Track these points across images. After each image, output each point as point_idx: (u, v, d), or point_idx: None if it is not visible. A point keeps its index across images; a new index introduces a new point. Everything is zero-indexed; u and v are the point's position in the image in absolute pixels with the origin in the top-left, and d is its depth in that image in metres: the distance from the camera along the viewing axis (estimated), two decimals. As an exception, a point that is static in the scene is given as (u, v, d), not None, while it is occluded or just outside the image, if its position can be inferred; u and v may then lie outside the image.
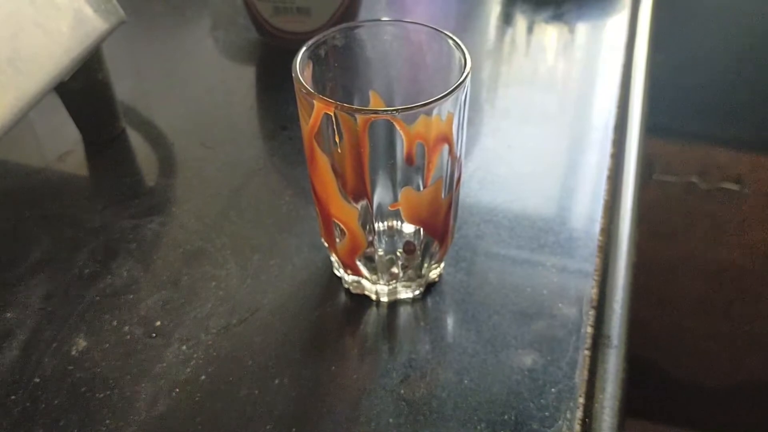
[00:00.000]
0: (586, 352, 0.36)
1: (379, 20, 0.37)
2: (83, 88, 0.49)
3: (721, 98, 0.98)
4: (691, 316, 1.18)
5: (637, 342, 0.43)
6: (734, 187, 1.03)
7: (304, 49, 0.34)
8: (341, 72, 0.37)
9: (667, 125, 1.00)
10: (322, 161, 0.34)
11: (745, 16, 0.92)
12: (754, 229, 1.08)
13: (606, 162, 0.49)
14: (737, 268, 1.12)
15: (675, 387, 1.22)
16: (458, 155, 0.35)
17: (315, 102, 0.31)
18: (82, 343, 0.38)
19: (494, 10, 0.68)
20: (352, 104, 0.37)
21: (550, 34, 0.65)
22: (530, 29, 0.65)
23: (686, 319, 1.19)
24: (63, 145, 0.53)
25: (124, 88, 0.58)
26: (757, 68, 0.96)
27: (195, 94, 0.59)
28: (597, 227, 0.43)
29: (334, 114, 0.31)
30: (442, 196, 0.35)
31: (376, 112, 0.31)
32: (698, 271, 1.14)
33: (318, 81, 0.36)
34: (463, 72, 0.33)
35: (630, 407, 0.38)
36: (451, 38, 0.35)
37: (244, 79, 0.62)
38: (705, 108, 0.99)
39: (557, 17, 0.66)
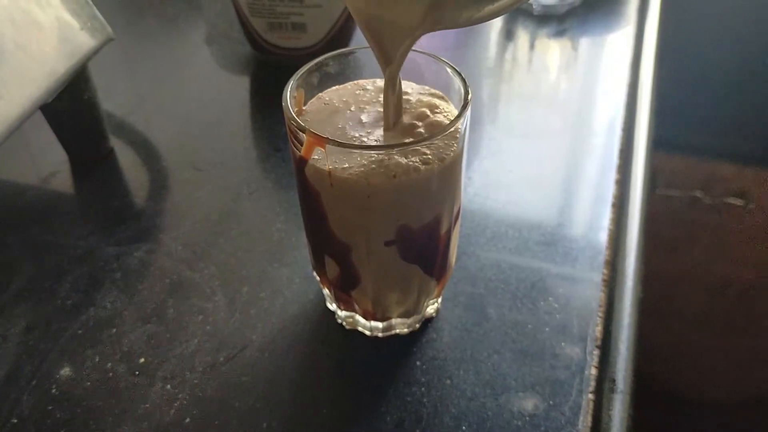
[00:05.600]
0: (590, 396, 0.35)
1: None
2: (69, 108, 0.47)
3: (725, 112, 0.97)
4: (693, 330, 1.17)
5: (638, 355, 0.41)
6: (738, 201, 1.01)
7: (293, 80, 0.32)
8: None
9: (671, 139, 0.98)
10: (314, 195, 0.32)
11: (750, 31, 0.91)
12: (758, 243, 1.06)
13: (610, 187, 0.47)
14: (740, 283, 1.10)
15: (676, 401, 1.20)
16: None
17: (306, 136, 0.30)
18: (62, 381, 0.37)
19: (495, 25, 0.66)
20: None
21: (552, 50, 0.63)
22: (532, 45, 0.63)
23: (688, 332, 1.17)
24: (48, 165, 0.51)
25: (113, 105, 0.56)
26: (762, 83, 0.94)
27: (187, 111, 0.57)
28: (601, 259, 0.42)
29: (326, 149, 0.29)
30: (440, 232, 0.33)
31: (370, 148, 0.29)
32: (701, 285, 1.13)
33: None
34: (462, 103, 0.31)
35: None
36: (449, 66, 0.33)
37: (237, 96, 0.60)
38: (709, 122, 0.98)
39: (560, 33, 0.64)
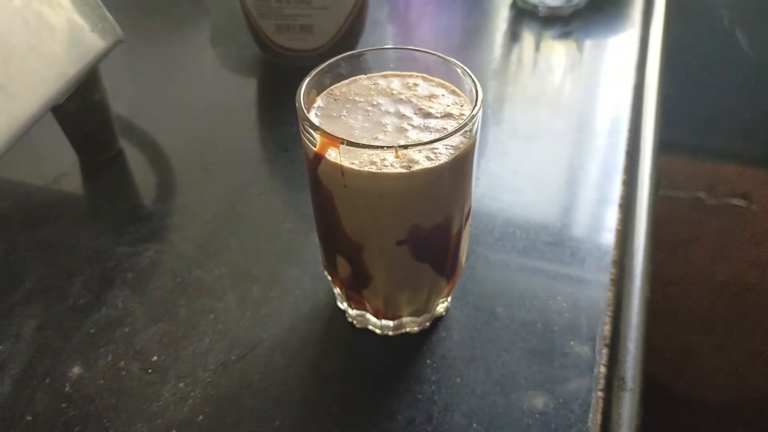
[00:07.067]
0: (600, 394, 0.35)
1: (385, 48, 0.36)
2: (79, 110, 0.47)
3: (729, 113, 0.97)
4: (695, 331, 1.17)
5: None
6: (741, 202, 1.02)
7: (308, 79, 0.32)
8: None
9: (674, 140, 0.98)
10: (327, 195, 0.32)
11: (754, 32, 0.91)
12: (761, 245, 1.06)
13: (617, 188, 0.47)
14: (743, 284, 1.10)
15: (677, 401, 1.20)
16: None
17: (319, 136, 0.30)
18: (75, 379, 0.37)
19: (500, 27, 0.67)
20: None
21: (558, 52, 0.63)
22: (537, 47, 0.64)
23: (690, 334, 1.17)
24: (59, 166, 0.51)
25: (122, 106, 0.56)
26: (766, 84, 0.94)
27: (194, 112, 0.58)
28: (608, 259, 0.42)
29: (340, 149, 0.30)
30: (452, 231, 0.34)
31: (382, 148, 0.30)
32: (703, 287, 1.13)
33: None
34: (474, 103, 0.31)
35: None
36: (459, 67, 0.34)
37: (245, 97, 0.60)
38: (713, 123, 0.98)
39: (565, 35, 0.65)
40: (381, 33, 0.66)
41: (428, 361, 0.37)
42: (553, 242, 0.44)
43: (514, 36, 0.65)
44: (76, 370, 0.37)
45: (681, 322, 1.17)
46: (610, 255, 0.42)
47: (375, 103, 0.34)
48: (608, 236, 0.44)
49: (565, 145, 0.53)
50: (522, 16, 0.67)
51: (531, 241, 0.44)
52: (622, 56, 0.62)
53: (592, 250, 0.43)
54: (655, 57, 0.60)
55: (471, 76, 0.33)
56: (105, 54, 0.46)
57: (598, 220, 0.46)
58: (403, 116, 0.33)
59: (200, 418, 0.35)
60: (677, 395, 1.19)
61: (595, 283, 0.41)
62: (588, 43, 0.64)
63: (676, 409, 1.20)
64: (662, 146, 0.53)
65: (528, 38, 0.65)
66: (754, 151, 1.00)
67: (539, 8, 0.66)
